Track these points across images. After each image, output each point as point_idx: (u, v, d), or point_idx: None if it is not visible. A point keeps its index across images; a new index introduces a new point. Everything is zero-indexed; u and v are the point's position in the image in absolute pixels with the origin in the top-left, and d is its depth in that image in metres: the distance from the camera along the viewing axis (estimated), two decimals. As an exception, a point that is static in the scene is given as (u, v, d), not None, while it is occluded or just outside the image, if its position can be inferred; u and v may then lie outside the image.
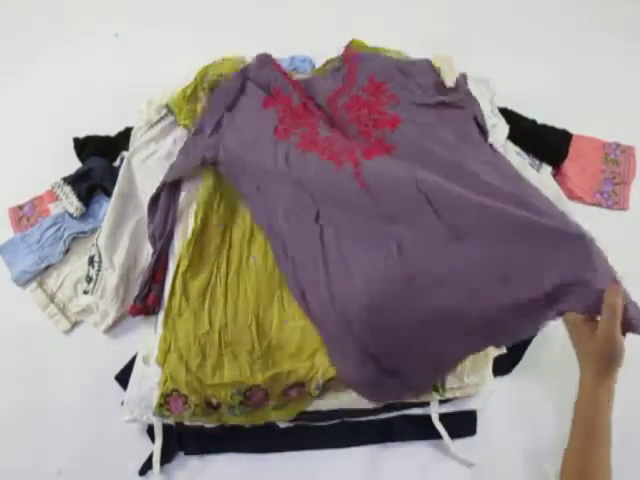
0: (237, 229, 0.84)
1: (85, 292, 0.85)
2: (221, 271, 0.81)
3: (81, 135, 1.03)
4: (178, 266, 0.80)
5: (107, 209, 0.87)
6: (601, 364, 0.59)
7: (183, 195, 0.87)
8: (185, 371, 0.74)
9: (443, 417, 0.79)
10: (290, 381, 0.73)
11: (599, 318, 0.59)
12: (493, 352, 0.78)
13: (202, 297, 0.79)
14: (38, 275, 0.93)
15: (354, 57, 0.94)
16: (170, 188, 0.87)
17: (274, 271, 0.80)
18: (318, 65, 1.07)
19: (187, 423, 0.76)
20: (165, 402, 0.73)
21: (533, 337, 0.84)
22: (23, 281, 0.92)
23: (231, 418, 0.75)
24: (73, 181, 0.96)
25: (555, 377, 0.83)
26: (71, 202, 0.94)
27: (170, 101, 0.93)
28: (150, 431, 0.79)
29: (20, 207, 0.99)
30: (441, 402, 0.79)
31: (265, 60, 0.96)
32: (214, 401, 0.73)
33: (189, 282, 0.80)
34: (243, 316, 0.77)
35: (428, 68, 0.93)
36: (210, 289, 0.80)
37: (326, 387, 0.74)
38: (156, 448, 0.78)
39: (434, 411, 0.78)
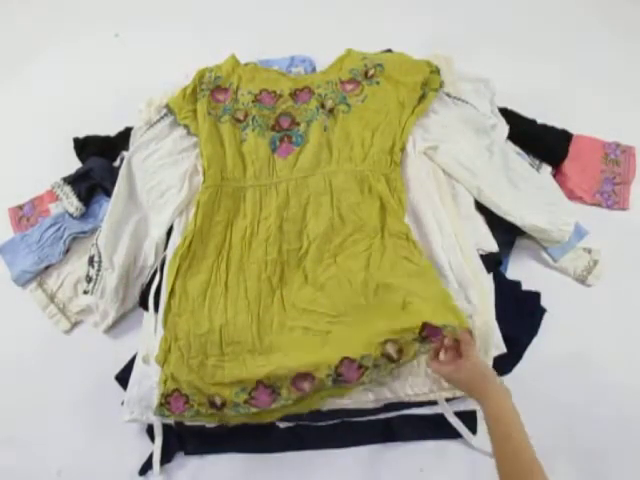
0: (237, 229, 0.84)
1: (85, 292, 0.85)
2: (221, 271, 0.81)
3: (81, 135, 1.03)
4: (178, 266, 0.80)
5: (107, 209, 0.87)
6: (478, 386, 0.65)
7: (183, 195, 0.87)
8: (187, 371, 0.73)
9: (443, 417, 0.79)
10: (295, 371, 0.71)
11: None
12: (493, 352, 0.78)
13: (202, 297, 0.79)
14: (38, 275, 0.93)
15: None
16: None
17: (275, 271, 0.80)
18: (318, 65, 1.07)
19: (187, 423, 0.76)
20: (166, 402, 0.73)
21: (533, 337, 0.84)
22: (23, 281, 0.92)
23: (235, 417, 0.74)
24: (73, 181, 0.96)
25: (555, 376, 0.83)
26: (71, 202, 0.94)
27: (170, 101, 0.93)
28: (150, 431, 0.80)
29: (20, 207, 0.99)
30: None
31: None
32: (218, 400, 0.73)
33: (189, 282, 0.80)
34: (243, 316, 0.77)
35: None
36: (210, 289, 0.80)
37: (339, 378, 0.71)
38: (156, 448, 0.78)
39: (445, 410, 0.78)
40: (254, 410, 0.72)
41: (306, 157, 0.87)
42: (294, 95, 0.93)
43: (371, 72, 0.93)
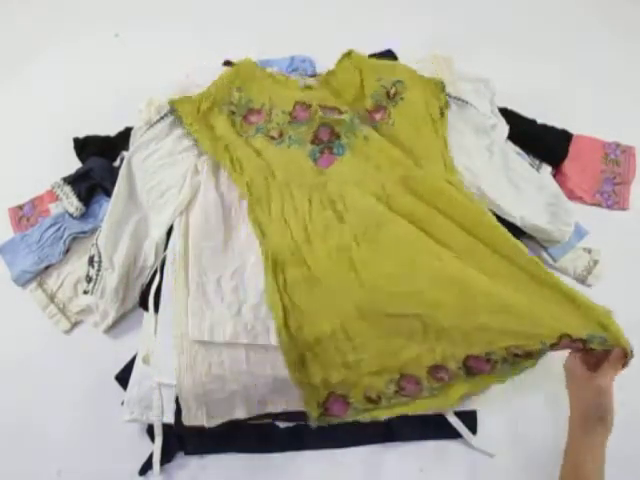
0: (295, 226, 0.80)
1: (85, 292, 0.85)
2: (305, 270, 0.77)
3: (81, 135, 1.03)
4: (274, 269, 0.77)
5: (107, 209, 0.87)
6: (590, 412, 0.60)
7: (183, 195, 0.87)
8: (336, 371, 0.73)
9: (443, 417, 0.79)
10: (426, 366, 0.72)
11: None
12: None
13: (308, 299, 0.75)
14: (38, 275, 0.93)
15: None
16: None
17: (349, 255, 0.77)
18: (318, 65, 1.07)
19: (187, 424, 0.76)
20: (324, 409, 0.73)
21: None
22: (23, 281, 0.92)
23: (386, 411, 0.75)
24: (73, 181, 0.95)
25: (555, 377, 0.83)
26: (71, 202, 0.94)
27: (180, 108, 0.89)
28: (150, 431, 0.80)
29: (20, 207, 0.99)
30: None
31: None
32: (373, 394, 0.73)
33: (289, 291, 0.76)
34: (349, 305, 0.74)
35: None
36: (309, 287, 0.76)
37: (471, 369, 0.71)
38: (156, 448, 0.78)
39: (445, 410, 0.79)
40: (405, 400, 0.74)
41: (352, 166, 0.85)
42: (323, 108, 0.89)
43: (392, 91, 0.90)
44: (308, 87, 0.93)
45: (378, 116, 0.90)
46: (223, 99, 0.90)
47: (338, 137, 0.87)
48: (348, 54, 0.95)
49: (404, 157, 0.84)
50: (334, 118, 0.87)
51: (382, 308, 0.74)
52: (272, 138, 0.88)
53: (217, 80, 0.92)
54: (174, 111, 0.90)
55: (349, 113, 0.88)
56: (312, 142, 0.87)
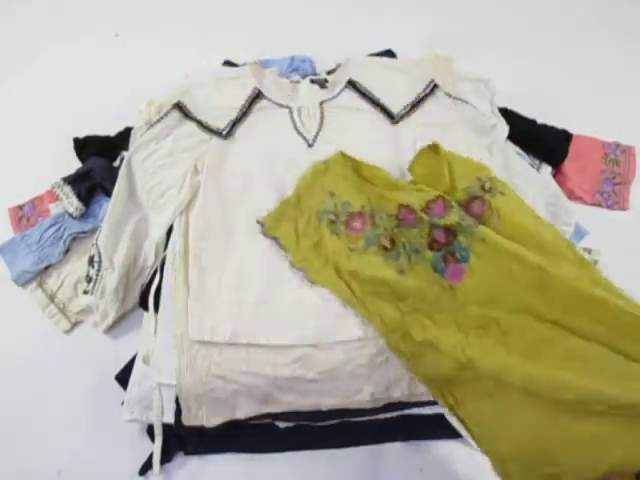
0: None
1: (85, 292, 0.85)
2: (500, 391, 0.69)
3: (81, 135, 1.03)
4: (440, 390, 0.72)
5: (107, 209, 0.87)
6: None
7: (183, 195, 0.87)
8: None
9: (443, 417, 0.79)
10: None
11: None
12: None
13: (495, 419, 0.69)
14: (38, 275, 0.93)
15: None
16: None
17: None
18: (318, 65, 1.07)
19: (187, 424, 0.76)
20: None
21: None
22: (23, 281, 0.93)
23: None
24: (73, 181, 0.96)
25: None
26: (71, 202, 0.94)
27: (283, 240, 0.79)
28: (150, 431, 0.80)
29: (20, 207, 0.99)
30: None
31: None
32: None
33: (464, 403, 0.71)
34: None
35: None
36: (480, 399, 0.70)
37: None
38: (156, 448, 0.78)
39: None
40: None
41: (484, 278, 0.73)
42: (426, 209, 0.79)
43: (488, 185, 0.79)
44: (399, 187, 0.82)
45: (476, 208, 0.78)
46: (318, 206, 0.81)
47: (455, 236, 0.75)
48: (436, 149, 0.83)
49: (534, 256, 0.72)
50: (444, 224, 0.76)
51: (576, 413, 0.65)
52: (385, 249, 0.78)
53: (306, 183, 0.83)
54: (276, 239, 0.81)
55: (455, 209, 0.77)
56: (430, 247, 0.76)
